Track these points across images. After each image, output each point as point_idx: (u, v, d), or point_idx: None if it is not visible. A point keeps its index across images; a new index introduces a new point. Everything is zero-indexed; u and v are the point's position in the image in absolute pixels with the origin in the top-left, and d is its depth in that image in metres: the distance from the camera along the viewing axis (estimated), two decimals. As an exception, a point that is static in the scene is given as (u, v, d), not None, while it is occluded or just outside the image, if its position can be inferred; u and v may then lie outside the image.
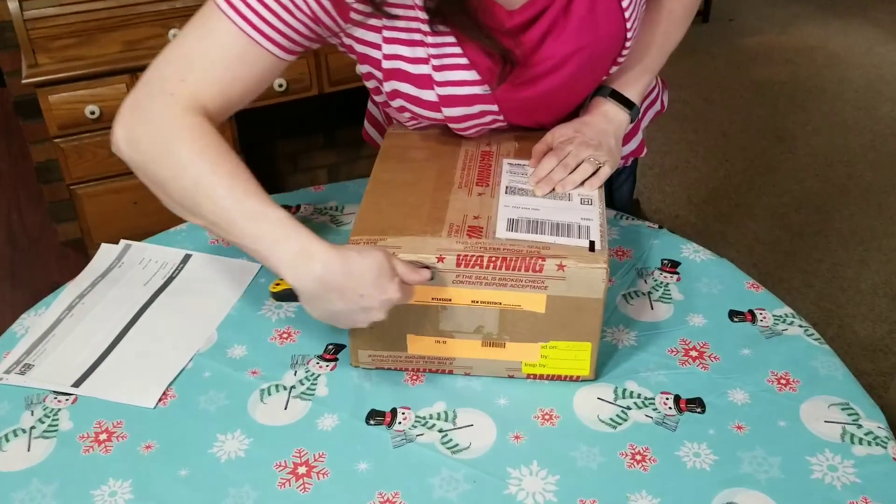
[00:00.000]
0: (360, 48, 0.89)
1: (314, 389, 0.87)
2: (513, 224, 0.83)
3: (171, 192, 0.82)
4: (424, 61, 0.87)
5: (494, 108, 0.93)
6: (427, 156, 0.96)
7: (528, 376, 0.87)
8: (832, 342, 1.95)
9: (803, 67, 3.28)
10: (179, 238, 1.08)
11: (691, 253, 1.05)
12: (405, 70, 0.88)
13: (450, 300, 0.82)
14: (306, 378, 0.88)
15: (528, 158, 0.95)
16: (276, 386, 0.87)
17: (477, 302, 0.81)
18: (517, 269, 0.79)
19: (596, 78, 0.97)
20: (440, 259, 0.80)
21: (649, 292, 0.99)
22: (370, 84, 0.94)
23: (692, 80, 3.18)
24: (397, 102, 0.92)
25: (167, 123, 0.81)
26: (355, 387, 0.87)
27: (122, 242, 1.09)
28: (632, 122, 1.00)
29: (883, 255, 2.29)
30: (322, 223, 1.11)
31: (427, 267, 0.80)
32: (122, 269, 1.04)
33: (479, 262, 0.79)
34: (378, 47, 0.88)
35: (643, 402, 0.85)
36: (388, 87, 0.91)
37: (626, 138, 1.04)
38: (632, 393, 0.86)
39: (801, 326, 0.94)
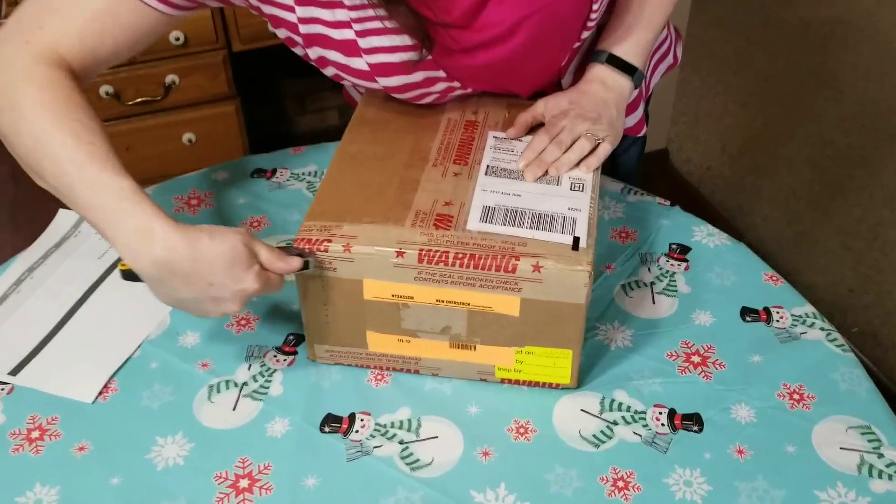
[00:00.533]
0: (268, 9, 0.77)
1: (267, 387, 0.79)
2: (488, 213, 0.73)
3: (17, 150, 0.72)
4: (347, 25, 0.75)
5: (442, 74, 0.81)
6: (404, 125, 0.85)
7: (503, 381, 0.78)
8: (867, 311, 1.82)
9: (857, 3, 3.04)
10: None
11: (704, 237, 0.93)
12: (327, 35, 0.76)
13: (412, 298, 0.72)
14: (260, 374, 0.80)
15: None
16: (227, 382, 0.79)
17: (442, 301, 0.71)
18: (487, 269, 0.68)
19: (563, 43, 0.83)
20: (399, 254, 0.69)
21: (652, 283, 0.88)
22: (297, 51, 0.82)
23: (733, 18, 2.97)
24: (329, 71, 0.81)
25: (16, 73, 0.71)
26: (312, 385, 0.79)
27: (81, 208, 1.00)
28: (636, 87, 0.87)
29: (931, 215, 2.13)
30: (297, 190, 1.01)
31: (301, 254, 0.70)
32: (77, 238, 0.96)
33: (443, 258, 0.69)
34: (291, 9, 0.76)
35: (632, 417, 0.75)
36: (313, 53, 0.79)
37: (627, 110, 0.90)
38: (620, 405, 0.76)
39: (822, 329, 0.83)
